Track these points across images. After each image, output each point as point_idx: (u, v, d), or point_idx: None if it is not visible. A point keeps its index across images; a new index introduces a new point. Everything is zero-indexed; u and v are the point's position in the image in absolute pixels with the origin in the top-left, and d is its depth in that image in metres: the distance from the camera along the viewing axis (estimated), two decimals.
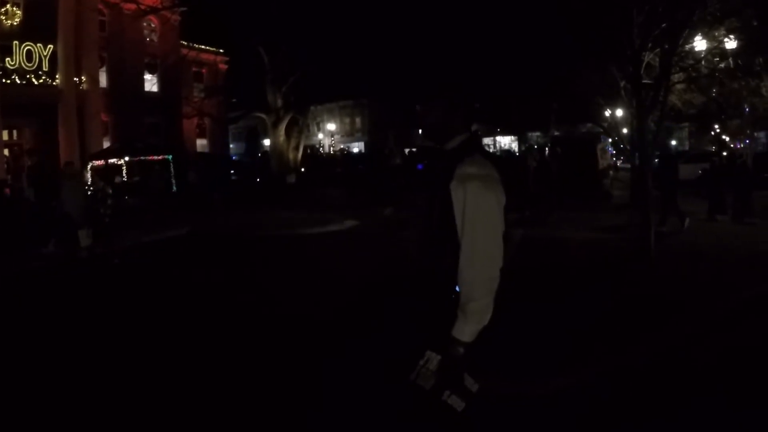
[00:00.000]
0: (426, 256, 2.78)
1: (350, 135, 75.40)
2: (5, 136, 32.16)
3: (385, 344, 2.81)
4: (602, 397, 5.07)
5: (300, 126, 36.65)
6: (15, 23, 31.78)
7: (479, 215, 2.58)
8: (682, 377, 5.49)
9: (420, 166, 26.75)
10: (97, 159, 32.56)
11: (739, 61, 14.02)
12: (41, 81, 32.50)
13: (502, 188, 2.66)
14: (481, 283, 2.55)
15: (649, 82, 12.09)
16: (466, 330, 2.54)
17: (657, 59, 12.27)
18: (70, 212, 11.57)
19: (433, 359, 2.60)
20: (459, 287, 2.59)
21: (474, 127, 2.90)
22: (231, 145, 57.53)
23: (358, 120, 75.72)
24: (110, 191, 11.24)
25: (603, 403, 4.97)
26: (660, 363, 5.96)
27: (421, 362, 2.62)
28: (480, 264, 2.56)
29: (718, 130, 31.91)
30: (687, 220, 14.50)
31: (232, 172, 36.96)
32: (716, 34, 12.74)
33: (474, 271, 2.55)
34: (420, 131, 2.98)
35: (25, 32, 31.81)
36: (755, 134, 28.04)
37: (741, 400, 4.93)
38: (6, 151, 32.17)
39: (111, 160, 32.01)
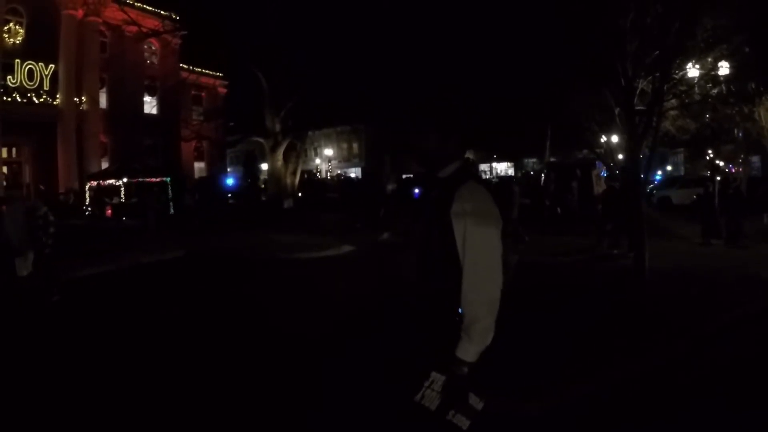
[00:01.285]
0: (426, 280, 2.85)
1: (347, 160, 75.64)
2: (4, 153, 32.30)
3: (383, 351, 2.88)
4: (602, 402, 5.19)
5: (298, 151, 36.70)
6: (17, 42, 32.06)
7: (480, 242, 2.67)
8: (677, 390, 5.59)
9: (416, 194, 26.82)
10: (95, 179, 32.65)
11: (732, 87, 14.21)
12: (42, 100, 32.75)
13: (498, 212, 2.75)
14: (484, 305, 2.63)
15: (642, 108, 12.25)
16: (470, 350, 2.61)
17: (650, 86, 12.45)
18: (11, 240, 10.33)
19: (438, 380, 2.65)
20: (462, 309, 2.66)
21: (468, 154, 2.99)
22: (228, 169, 57.65)
23: (355, 145, 76.00)
24: (52, 218, 10.16)
25: (603, 407, 5.09)
26: (656, 376, 6.05)
27: (426, 383, 2.67)
28: (483, 287, 2.64)
29: (712, 155, 32.15)
30: (617, 251, 14.87)
31: (229, 195, 36.97)
32: (708, 60, 12.93)
33: (477, 294, 2.63)
34: (413, 158, 3.05)
35: (27, 51, 32.10)
36: (749, 158, 28.26)
37: (733, 414, 5.03)
38: (5, 169, 32.26)
39: (109, 181, 32.09)
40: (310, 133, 44.95)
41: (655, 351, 6.84)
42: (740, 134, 24.52)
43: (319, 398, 5.31)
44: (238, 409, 5.14)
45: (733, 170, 30.36)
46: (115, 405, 5.31)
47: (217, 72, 48.07)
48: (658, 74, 11.55)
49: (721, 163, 31.85)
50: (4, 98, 30.75)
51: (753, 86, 14.37)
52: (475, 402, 2.65)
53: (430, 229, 2.81)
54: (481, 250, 2.66)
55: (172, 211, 29.29)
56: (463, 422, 2.62)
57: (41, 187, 32.81)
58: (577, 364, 6.29)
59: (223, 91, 50.64)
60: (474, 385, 2.64)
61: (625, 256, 14.17)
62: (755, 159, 34.88)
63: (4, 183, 31.10)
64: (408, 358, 2.81)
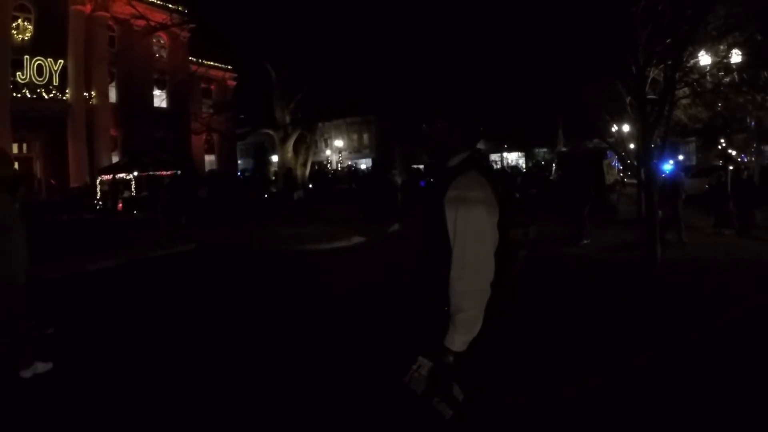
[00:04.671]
0: (423, 269, 2.84)
1: (358, 151, 75.56)
2: (15, 149, 32.45)
3: (392, 357, 2.85)
4: (613, 395, 5.15)
5: (308, 142, 36.69)
6: (26, 38, 32.18)
7: (469, 230, 2.62)
8: (689, 383, 5.52)
9: (423, 183, 26.88)
10: (106, 173, 32.77)
11: (744, 76, 14.02)
12: (51, 95, 32.90)
13: (495, 203, 2.70)
14: (469, 295, 2.59)
15: (653, 97, 12.13)
16: (456, 340, 2.58)
17: (661, 75, 12.32)
18: None
19: (425, 365, 2.64)
20: (450, 298, 2.63)
21: (479, 145, 2.95)
22: (239, 161, 57.79)
23: (365, 136, 75.88)
24: None
25: (613, 400, 5.04)
26: (667, 369, 5.98)
27: (414, 366, 2.66)
28: (469, 277, 2.60)
29: (724, 144, 31.79)
30: (585, 241, 14.90)
31: (240, 187, 37.03)
32: (720, 48, 12.78)
33: (463, 284, 2.60)
34: (424, 149, 3.03)
35: (36, 47, 32.24)
36: (762, 148, 27.93)
37: (749, 409, 4.95)
38: (16, 165, 32.38)
39: (120, 175, 32.20)
40: (320, 124, 44.97)
41: (666, 344, 6.76)
42: (753, 123, 24.23)
43: (326, 407, 5.27)
44: (241, 413, 5.11)
45: (746, 160, 30.03)
46: (112, 403, 5.29)
47: (226, 65, 48.15)
48: (669, 62, 11.42)
49: (734, 153, 31.51)
50: (14, 94, 30.88)
51: (766, 75, 14.17)
52: (458, 393, 2.62)
53: (429, 218, 2.79)
54: (469, 239, 2.62)
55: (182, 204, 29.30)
56: (446, 411, 2.60)
57: (52, 181, 33.01)
58: (589, 356, 6.27)
59: (232, 83, 50.69)
60: (459, 376, 2.61)
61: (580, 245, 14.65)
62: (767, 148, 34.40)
63: None
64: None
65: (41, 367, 6.02)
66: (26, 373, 5.89)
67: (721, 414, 4.84)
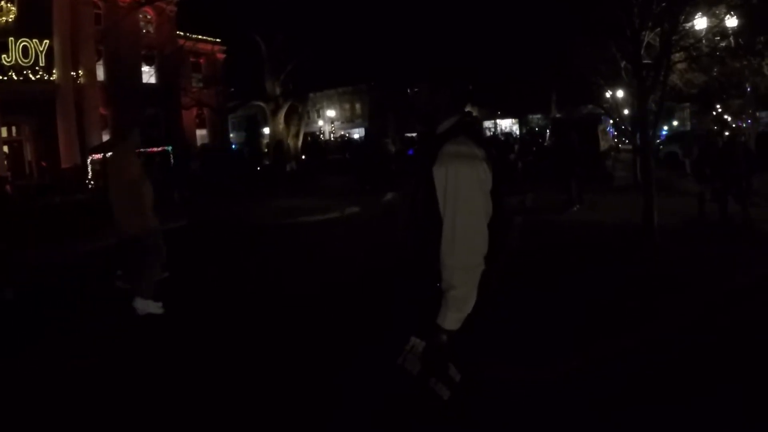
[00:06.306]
0: (411, 242, 2.72)
1: (350, 121, 75.26)
2: (4, 132, 32.18)
3: (393, 340, 2.77)
4: (610, 379, 5.07)
5: (300, 113, 36.53)
6: (10, 19, 31.69)
7: (459, 198, 2.50)
8: (691, 359, 5.43)
9: (411, 152, 26.80)
10: (96, 152, 32.49)
11: (740, 40, 13.89)
12: (38, 77, 32.47)
13: (487, 169, 2.57)
14: (461, 271, 2.48)
15: (649, 62, 11.98)
16: (448, 317, 2.49)
17: (657, 39, 12.15)
18: None
19: (418, 345, 2.57)
20: (441, 274, 2.53)
21: (468, 110, 2.82)
22: (231, 134, 57.48)
23: (358, 106, 75.51)
24: None
25: (611, 385, 4.96)
26: (665, 345, 5.91)
27: (407, 347, 2.59)
28: (460, 251, 2.49)
29: (720, 110, 31.61)
30: (576, 207, 14.90)
31: (232, 161, 36.85)
32: (717, 12, 12.62)
33: (454, 259, 2.49)
34: (414, 117, 2.91)
35: (20, 28, 31.74)
36: (757, 114, 27.78)
37: (752, 381, 4.89)
38: (6, 148, 32.14)
39: (110, 153, 31.90)
40: (311, 95, 44.72)
41: (666, 316, 6.70)
42: (749, 89, 24.08)
43: (324, 396, 5.22)
44: (238, 406, 5.04)
45: (742, 125, 29.91)
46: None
47: (215, 38, 47.54)
48: (666, 25, 11.24)
49: (729, 118, 31.36)
50: (1, 77, 30.50)
51: (762, 39, 14.00)
52: (454, 373, 2.55)
53: (417, 189, 2.68)
54: (460, 209, 2.50)
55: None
56: (444, 392, 2.53)
57: (43, 164, 32.75)
58: (589, 330, 6.19)
59: (221, 56, 50.08)
60: (454, 356, 2.54)
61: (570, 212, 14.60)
62: (764, 114, 34.08)
63: (5, 162, 31.04)
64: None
65: (153, 306, 7.37)
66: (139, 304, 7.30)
67: (725, 388, 4.78)
